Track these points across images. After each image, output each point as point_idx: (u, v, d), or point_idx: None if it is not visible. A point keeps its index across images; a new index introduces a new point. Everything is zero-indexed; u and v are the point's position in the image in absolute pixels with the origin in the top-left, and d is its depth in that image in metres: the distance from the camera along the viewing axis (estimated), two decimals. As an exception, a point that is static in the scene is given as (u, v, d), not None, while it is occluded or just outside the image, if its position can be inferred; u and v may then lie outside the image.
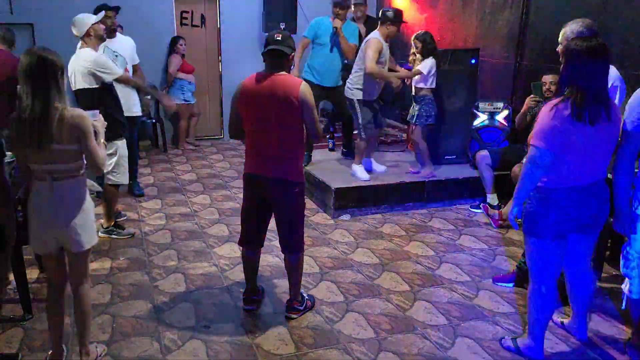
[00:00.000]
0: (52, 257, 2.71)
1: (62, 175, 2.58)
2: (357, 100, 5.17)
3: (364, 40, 5.12)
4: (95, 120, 2.75)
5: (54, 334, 2.81)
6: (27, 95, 2.47)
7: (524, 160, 4.62)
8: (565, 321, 3.26)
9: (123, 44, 5.16)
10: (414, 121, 5.34)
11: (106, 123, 2.90)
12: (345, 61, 5.63)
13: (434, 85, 5.24)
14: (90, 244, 2.72)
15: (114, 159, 4.32)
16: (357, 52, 5.33)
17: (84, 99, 4.09)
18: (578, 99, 2.56)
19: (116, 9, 5.05)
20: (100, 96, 4.12)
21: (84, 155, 2.63)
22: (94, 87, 4.11)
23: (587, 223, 2.77)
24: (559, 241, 2.79)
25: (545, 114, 2.63)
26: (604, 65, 2.61)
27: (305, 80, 5.62)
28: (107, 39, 4.79)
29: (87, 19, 4.16)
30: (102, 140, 2.77)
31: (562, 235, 2.77)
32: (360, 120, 5.21)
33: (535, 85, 4.71)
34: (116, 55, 4.97)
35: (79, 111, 2.60)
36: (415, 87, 5.29)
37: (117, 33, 5.19)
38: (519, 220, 2.83)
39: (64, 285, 2.81)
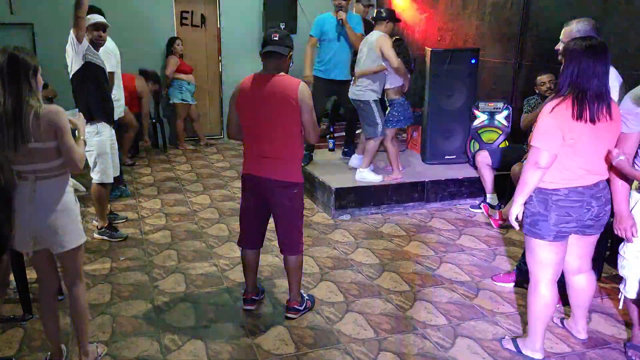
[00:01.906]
0: (36, 257, 2.66)
1: (45, 174, 2.54)
2: (373, 100, 5.10)
3: (370, 41, 5.04)
4: (75, 118, 2.72)
5: (50, 335, 2.81)
6: None
7: (524, 160, 4.64)
8: (565, 321, 3.26)
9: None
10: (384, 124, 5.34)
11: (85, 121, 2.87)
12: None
13: (397, 87, 5.17)
14: (75, 244, 2.65)
15: (92, 158, 4.25)
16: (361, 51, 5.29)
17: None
18: (579, 98, 2.56)
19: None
20: (79, 83, 4.15)
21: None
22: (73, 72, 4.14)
23: (588, 224, 2.77)
24: (560, 242, 2.79)
25: (545, 114, 2.63)
26: (604, 64, 2.61)
27: (315, 77, 5.68)
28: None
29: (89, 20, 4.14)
30: (83, 137, 2.71)
31: (563, 236, 2.77)
32: (379, 121, 5.12)
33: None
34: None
35: (54, 107, 2.55)
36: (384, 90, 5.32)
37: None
38: (519, 220, 2.83)
39: (55, 287, 2.80)
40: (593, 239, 2.91)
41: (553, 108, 2.61)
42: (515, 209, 2.78)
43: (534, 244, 2.83)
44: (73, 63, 4.13)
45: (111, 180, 4.49)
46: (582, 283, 3.03)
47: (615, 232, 2.83)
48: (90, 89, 4.17)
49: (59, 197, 2.59)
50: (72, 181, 2.73)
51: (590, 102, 2.57)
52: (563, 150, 2.61)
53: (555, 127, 2.59)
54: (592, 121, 2.57)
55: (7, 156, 2.53)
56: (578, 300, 3.10)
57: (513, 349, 3.04)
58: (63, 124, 2.51)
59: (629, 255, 2.85)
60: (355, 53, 5.53)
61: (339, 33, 5.60)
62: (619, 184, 2.74)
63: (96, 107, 4.20)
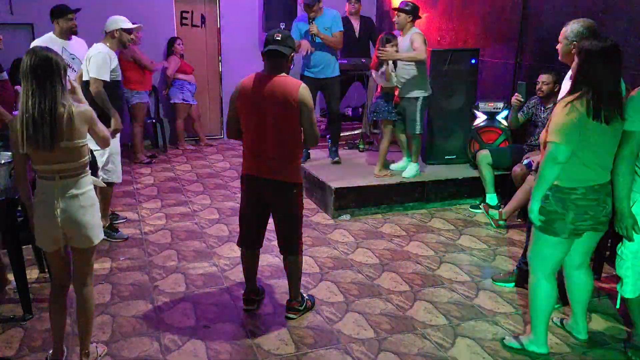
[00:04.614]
0: (59, 255, 2.72)
1: (70, 173, 2.61)
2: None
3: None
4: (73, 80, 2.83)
5: (56, 334, 2.81)
6: (33, 95, 2.48)
7: (525, 160, 4.64)
8: (565, 321, 3.26)
9: (79, 47, 5.00)
10: None
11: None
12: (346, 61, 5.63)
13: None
14: (99, 239, 2.76)
15: (105, 157, 4.31)
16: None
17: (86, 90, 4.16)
18: (594, 98, 2.59)
19: (76, 11, 4.91)
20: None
21: (86, 147, 2.68)
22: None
23: (602, 221, 2.81)
24: (572, 239, 2.83)
25: (560, 110, 2.65)
26: (618, 66, 2.66)
27: (303, 75, 5.69)
28: (65, 40, 4.80)
29: (119, 22, 4.28)
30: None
31: (577, 233, 2.81)
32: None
33: (520, 84, 4.84)
34: (73, 58, 4.83)
35: (85, 106, 2.69)
36: None
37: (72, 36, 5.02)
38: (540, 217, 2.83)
39: (67, 285, 2.82)
40: (600, 235, 2.95)
41: (567, 104, 2.63)
42: (535, 205, 2.78)
43: (545, 240, 2.84)
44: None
45: (119, 180, 4.56)
46: (583, 277, 3.05)
47: (616, 230, 2.84)
48: (112, 100, 4.26)
49: (84, 194, 2.67)
50: (92, 178, 2.80)
51: (605, 102, 2.60)
52: (579, 146, 2.63)
53: (571, 121, 2.61)
54: (607, 122, 2.60)
55: (30, 155, 2.57)
56: (578, 296, 3.10)
57: (517, 345, 3.06)
58: (96, 119, 2.70)
59: (626, 255, 2.86)
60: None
61: (313, 35, 5.53)
62: (621, 182, 2.74)
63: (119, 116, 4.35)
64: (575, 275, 3.06)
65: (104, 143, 2.81)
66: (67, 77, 2.68)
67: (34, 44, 4.90)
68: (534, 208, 2.79)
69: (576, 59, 2.73)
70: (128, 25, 4.33)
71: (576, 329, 3.17)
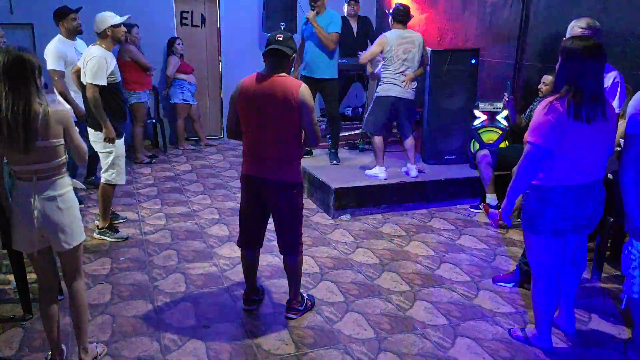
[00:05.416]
0: (39, 256, 2.69)
1: (47, 174, 2.58)
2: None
3: (420, 42, 5.22)
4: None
5: (51, 335, 2.81)
6: (7, 96, 2.44)
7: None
8: (555, 314, 3.26)
9: (83, 47, 5.05)
10: None
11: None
12: (346, 61, 5.61)
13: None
14: (78, 241, 2.71)
15: (110, 158, 4.32)
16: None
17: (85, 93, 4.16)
18: (576, 97, 2.59)
19: (77, 10, 4.94)
20: (102, 94, 4.14)
21: (65, 150, 2.64)
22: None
23: (583, 224, 2.80)
24: (557, 239, 2.82)
25: (540, 110, 2.66)
26: (601, 65, 2.65)
27: (302, 75, 5.70)
28: (72, 41, 4.83)
29: (108, 20, 4.18)
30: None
31: (559, 233, 2.80)
32: None
33: (507, 84, 4.99)
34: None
35: (61, 107, 2.67)
36: None
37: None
38: (512, 216, 2.85)
39: (54, 285, 2.81)
40: (583, 237, 2.98)
41: (548, 104, 2.63)
42: (508, 205, 2.80)
43: (532, 240, 2.86)
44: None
45: (123, 182, 4.55)
46: (567, 275, 3.07)
47: (626, 230, 2.82)
48: (113, 102, 4.26)
49: (62, 195, 2.63)
50: (72, 180, 2.75)
51: (586, 102, 2.59)
52: (558, 146, 2.62)
53: (550, 122, 2.60)
54: (588, 121, 2.59)
55: (6, 155, 2.55)
56: (564, 293, 3.11)
57: (522, 338, 3.10)
58: (71, 122, 2.63)
59: (635, 255, 2.84)
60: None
61: (311, 32, 5.55)
62: (627, 183, 2.71)
63: (120, 116, 4.35)
64: (560, 272, 3.07)
65: (78, 153, 2.70)
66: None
67: (47, 47, 4.94)
68: (507, 208, 2.79)
69: (559, 59, 2.74)
70: (117, 19, 4.22)
71: (563, 322, 3.17)
